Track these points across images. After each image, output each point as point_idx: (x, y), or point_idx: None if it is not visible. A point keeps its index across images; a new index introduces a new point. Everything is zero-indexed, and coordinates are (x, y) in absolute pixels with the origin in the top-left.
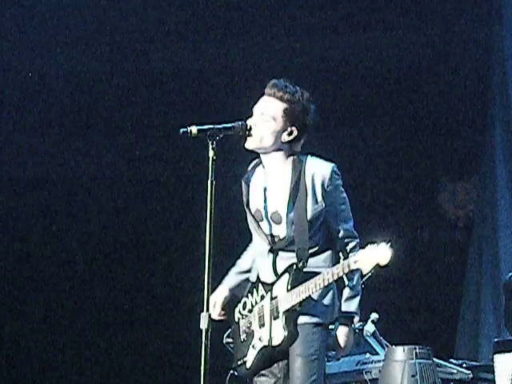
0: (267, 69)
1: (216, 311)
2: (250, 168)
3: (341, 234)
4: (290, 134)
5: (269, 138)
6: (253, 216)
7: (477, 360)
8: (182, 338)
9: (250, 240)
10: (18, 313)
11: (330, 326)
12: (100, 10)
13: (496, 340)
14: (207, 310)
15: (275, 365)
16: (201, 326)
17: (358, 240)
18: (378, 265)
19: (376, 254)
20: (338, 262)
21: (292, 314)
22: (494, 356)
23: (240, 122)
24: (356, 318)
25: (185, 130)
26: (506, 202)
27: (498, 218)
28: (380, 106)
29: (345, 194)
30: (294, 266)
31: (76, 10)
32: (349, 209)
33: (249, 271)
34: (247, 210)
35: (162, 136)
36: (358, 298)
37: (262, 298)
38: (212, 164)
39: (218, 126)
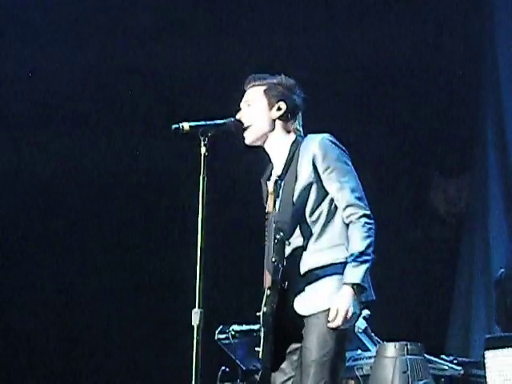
0: (262, 65)
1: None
2: (268, 168)
3: (342, 204)
4: (279, 109)
5: (259, 119)
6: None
7: (468, 356)
8: (174, 334)
9: None
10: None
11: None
12: (94, 8)
13: (487, 336)
14: (199, 306)
15: (285, 362)
16: (193, 323)
17: (365, 211)
18: None
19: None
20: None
21: (272, 289)
22: (485, 352)
23: (232, 118)
24: (359, 289)
25: (176, 126)
26: (497, 198)
27: (489, 215)
28: (371, 103)
29: (345, 165)
30: (276, 240)
31: (69, 8)
32: (352, 179)
33: None
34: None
35: (154, 132)
36: (363, 267)
37: None
38: (204, 160)
39: (210, 123)
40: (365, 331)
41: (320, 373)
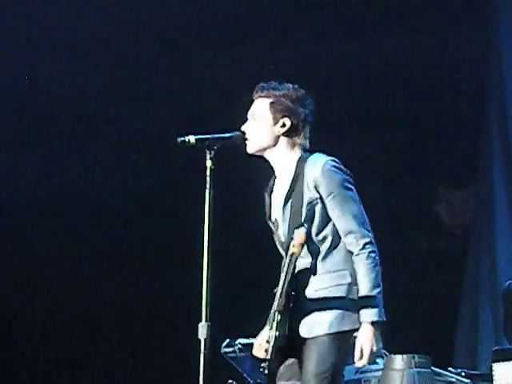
0: (267, 78)
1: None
2: (271, 180)
3: (343, 231)
4: (283, 125)
5: (262, 135)
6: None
7: (475, 368)
8: (180, 348)
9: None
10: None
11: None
12: (92, 23)
13: (495, 348)
14: (206, 319)
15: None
16: (199, 336)
17: (366, 239)
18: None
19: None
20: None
21: (284, 314)
22: (493, 364)
23: (237, 132)
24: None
25: (182, 139)
26: (503, 209)
27: (495, 226)
28: (375, 113)
29: (347, 191)
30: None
31: (65, 23)
32: (354, 205)
33: None
34: (269, 223)
35: (161, 145)
36: (377, 301)
37: None
38: (210, 174)
39: (216, 136)
40: None
41: None
